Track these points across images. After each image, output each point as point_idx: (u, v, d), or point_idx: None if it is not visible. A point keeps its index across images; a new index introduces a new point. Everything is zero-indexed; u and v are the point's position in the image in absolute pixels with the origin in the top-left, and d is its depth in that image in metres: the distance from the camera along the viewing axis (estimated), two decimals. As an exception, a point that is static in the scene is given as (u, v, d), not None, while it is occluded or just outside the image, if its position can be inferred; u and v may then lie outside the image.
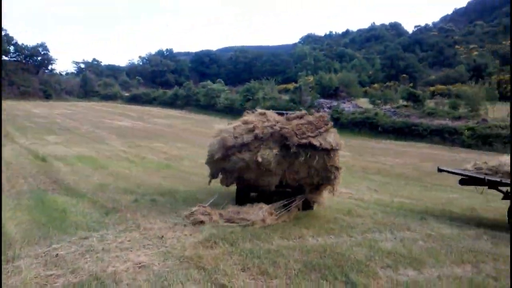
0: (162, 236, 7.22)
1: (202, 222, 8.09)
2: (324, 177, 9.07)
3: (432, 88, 62.60)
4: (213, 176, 9.81)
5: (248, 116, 9.50)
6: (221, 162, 9.11)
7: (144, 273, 5.49)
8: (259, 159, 8.55)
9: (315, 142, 8.68)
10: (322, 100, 51.85)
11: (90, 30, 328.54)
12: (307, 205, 9.64)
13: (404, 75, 73.47)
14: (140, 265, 5.77)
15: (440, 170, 10.95)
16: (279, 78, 79.65)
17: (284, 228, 8.16)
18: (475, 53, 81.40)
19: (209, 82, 65.25)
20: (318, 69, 76.28)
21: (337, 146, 8.83)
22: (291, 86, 66.14)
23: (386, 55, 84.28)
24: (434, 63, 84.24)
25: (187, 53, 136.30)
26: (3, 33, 73.97)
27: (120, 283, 5.14)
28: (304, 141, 8.64)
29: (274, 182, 8.99)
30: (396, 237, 8.10)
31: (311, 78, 66.19)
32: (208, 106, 57.85)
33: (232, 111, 53.60)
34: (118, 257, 6.06)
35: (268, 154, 8.62)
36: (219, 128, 9.53)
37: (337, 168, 9.04)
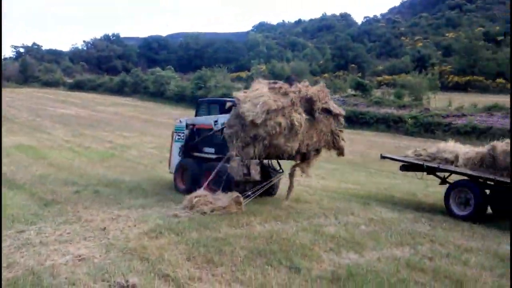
0: (105, 228, 7.05)
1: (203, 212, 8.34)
2: (330, 141, 9.46)
3: (379, 78, 64.57)
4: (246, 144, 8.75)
5: (259, 85, 9.20)
6: (255, 129, 8.48)
7: (84, 266, 5.33)
8: (296, 123, 8.51)
9: (331, 107, 9.13)
10: (273, 89, 52.12)
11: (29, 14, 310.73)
12: (269, 192, 10.14)
13: (353, 65, 75.21)
14: (80, 258, 5.60)
15: (383, 157, 11.39)
16: (232, 66, 79.17)
17: (232, 216, 8.20)
18: (420, 44, 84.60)
19: (158, 68, 63.61)
20: (271, 58, 76.57)
21: (343, 111, 9.50)
22: (243, 74, 65.98)
23: (336, 45, 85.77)
24: (381, 54, 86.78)
25: (135, 38, 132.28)
26: None
27: (58, 277, 4.97)
28: (325, 105, 9.00)
29: (296, 147, 8.91)
30: (340, 222, 8.37)
31: (263, 67, 66.35)
32: (157, 94, 56.52)
33: (182, 99, 52.83)
34: (57, 250, 5.86)
35: (300, 118, 8.61)
36: (238, 94, 9.08)
37: (340, 132, 9.60)
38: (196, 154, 10.93)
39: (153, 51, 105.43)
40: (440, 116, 34.97)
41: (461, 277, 5.52)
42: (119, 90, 63.63)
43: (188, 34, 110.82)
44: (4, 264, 5.27)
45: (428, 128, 34.20)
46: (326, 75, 69.49)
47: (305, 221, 8.24)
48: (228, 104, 10.15)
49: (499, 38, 69.69)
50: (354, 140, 30.82)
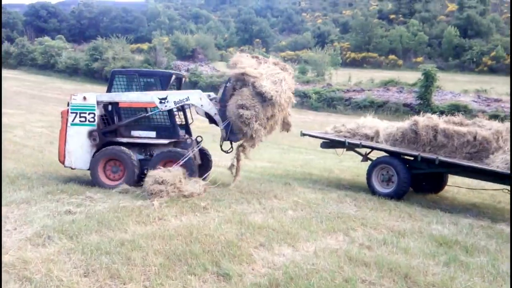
0: (-30, 236, 5.37)
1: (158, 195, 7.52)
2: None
3: (283, 54, 65.11)
4: None
5: (245, 59, 8.81)
6: (273, 108, 8.39)
7: None
8: (293, 98, 8.97)
9: None
10: (179, 62, 49.79)
11: None
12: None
13: (258, 39, 75.10)
14: None
15: (303, 135, 10.75)
16: (132, 37, 74.22)
17: (141, 209, 6.91)
18: (319, 21, 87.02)
19: (47, 38, 57.32)
20: (173, 29, 73.14)
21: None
22: (145, 46, 62.10)
23: (240, 19, 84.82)
24: (284, 29, 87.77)
25: (20, 5, 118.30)
26: None
27: None
28: None
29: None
30: (265, 208, 7.50)
31: (166, 39, 63.10)
32: (47, 66, 50.91)
33: (76, 72, 48.35)
34: None
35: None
36: (252, 71, 8.30)
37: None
38: (119, 139, 8.78)
39: (41, 19, 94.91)
40: (341, 91, 35.99)
41: (407, 270, 4.95)
42: (2, 62, 56.25)
43: (81, 2, 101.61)
44: None
45: (330, 103, 35.06)
46: (231, 49, 68.36)
47: (227, 209, 7.23)
48: (186, 77, 8.70)
49: (392, 16, 73.97)
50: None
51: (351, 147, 9.96)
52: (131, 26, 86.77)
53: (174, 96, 8.70)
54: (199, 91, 9.21)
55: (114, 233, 5.69)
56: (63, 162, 8.83)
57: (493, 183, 8.43)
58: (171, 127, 8.96)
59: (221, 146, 9.17)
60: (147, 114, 8.83)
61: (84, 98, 8.76)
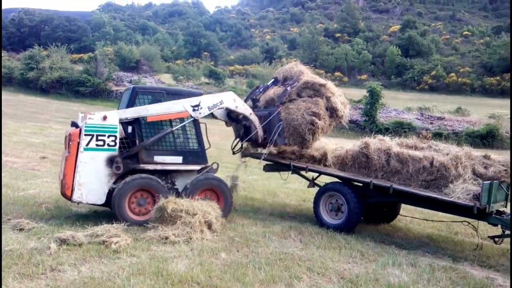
0: None
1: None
2: None
3: (231, 68, 64.37)
4: None
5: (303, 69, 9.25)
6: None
7: None
8: None
9: None
10: (121, 73, 47.55)
11: None
12: None
13: (206, 52, 73.89)
14: None
15: (244, 155, 9.51)
16: (75, 46, 70.54)
17: (32, 254, 5.36)
18: (268, 37, 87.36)
19: (-22, 44, 53.03)
20: (119, 40, 70.36)
21: None
22: (86, 56, 59.00)
23: (188, 31, 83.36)
24: (232, 43, 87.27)
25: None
26: None
27: None
28: None
29: None
30: (193, 249, 6.11)
31: (110, 49, 60.36)
32: (-23, 74, 46.89)
33: (10, 81, 44.75)
34: None
35: None
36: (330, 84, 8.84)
37: None
38: (142, 166, 7.30)
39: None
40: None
41: None
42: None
43: (22, 9, 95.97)
44: None
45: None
46: (179, 61, 66.76)
47: (144, 253, 5.78)
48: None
49: (337, 35, 75.41)
50: (210, 131, 29.23)
51: (297, 171, 8.83)
52: (74, 36, 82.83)
53: (207, 101, 7.83)
54: (231, 92, 8.46)
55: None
56: (69, 197, 6.93)
57: (452, 215, 7.50)
58: (199, 151, 7.78)
59: (233, 146, 9.28)
60: (173, 129, 7.55)
61: (105, 117, 7.09)
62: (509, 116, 31.30)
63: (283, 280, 5.25)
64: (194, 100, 7.72)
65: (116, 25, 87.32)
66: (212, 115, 8.22)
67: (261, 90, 9.59)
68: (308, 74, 8.91)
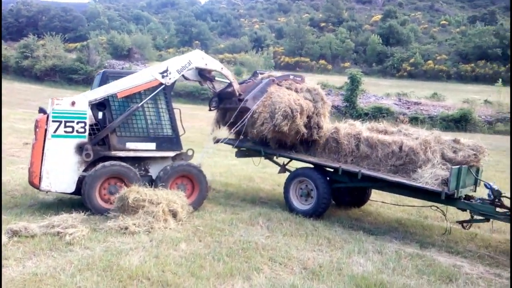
0: None
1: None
2: None
3: (221, 56, 63.03)
4: None
5: None
6: None
7: None
8: None
9: None
10: (113, 61, 46.29)
11: None
12: None
13: (197, 41, 72.35)
14: None
15: (216, 141, 8.90)
16: (71, 36, 68.62)
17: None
18: (256, 26, 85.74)
19: (-26, 35, 51.17)
20: (113, 30, 68.58)
21: None
22: (78, 45, 57.34)
23: (180, 21, 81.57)
24: (222, 33, 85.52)
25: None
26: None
27: None
28: None
29: None
30: (153, 239, 5.53)
31: (104, 38, 58.76)
32: (-26, 63, 45.36)
33: (5, 69, 43.30)
34: None
35: None
36: None
37: None
38: (114, 153, 6.69)
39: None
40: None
41: None
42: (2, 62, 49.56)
43: (20, 0, 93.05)
44: None
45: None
46: (170, 50, 65.40)
47: (99, 245, 5.19)
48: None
49: (322, 24, 74.31)
50: (196, 116, 28.40)
51: (268, 156, 8.25)
52: (70, 26, 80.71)
53: (174, 65, 7.20)
54: (198, 50, 7.79)
55: None
56: (37, 185, 6.29)
57: (421, 200, 6.98)
58: (173, 137, 7.17)
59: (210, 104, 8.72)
60: (140, 104, 6.88)
61: (73, 103, 6.41)
62: (481, 101, 31.00)
63: (242, 273, 4.70)
64: (161, 66, 7.15)
65: (110, 15, 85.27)
66: (184, 78, 7.69)
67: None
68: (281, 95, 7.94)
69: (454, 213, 7.60)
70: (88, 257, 4.77)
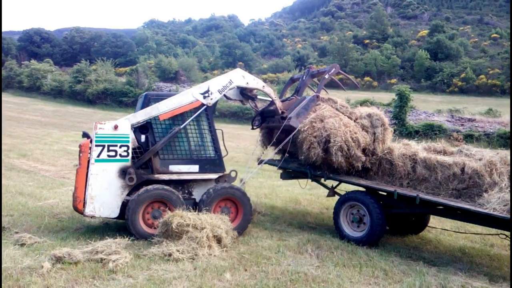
0: None
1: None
2: None
3: (264, 76, 63.59)
4: None
5: None
6: None
7: None
8: None
9: None
10: (161, 84, 47.78)
11: None
12: None
13: (241, 62, 73.50)
14: None
15: (260, 162, 8.62)
16: (121, 60, 72.05)
17: (23, 274, 4.68)
18: (299, 45, 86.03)
19: (33, 61, 54.67)
20: (161, 54, 71.33)
21: None
22: (128, 69, 59.92)
23: (224, 43, 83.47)
24: (265, 53, 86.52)
25: (15, 32, 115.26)
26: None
27: None
28: None
29: None
30: (197, 268, 5.28)
31: (152, 62, 61.10)
32: (33, 89, 48.39)
33: (60, 94, 45.90)
34: None
35: None
36: None
37: None
38: (157, 177, 6.61)
39: (34, 44, 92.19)
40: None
41: None
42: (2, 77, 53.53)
43: (74, 28, 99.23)
44: None
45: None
46: (215, 71, 66.68)
47: (142, 273, 4.99)
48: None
49: (366, 41, 73.26)
50: (241, 136, 28.45)
51: (316, 178, 7.85)
52: (120, 51, 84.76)
53: (215, 85, 7.13)
54: (238, 69, 7.67)
55: None
56: (81, 210, 6.27)
57: (487, 228, 6.29)
58: (216, 158, 7.08)
59: (253, 123, 8.47)
60: (182, 126, 6.82)
61: (116, 127, 6.42)
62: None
63: (291, 309, 4.32)
64: (202, 87, 7.03)
65: (158, 39, 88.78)
66: (226, 98, 7.53)
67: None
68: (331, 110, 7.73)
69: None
70: (131, 287, 4.58)
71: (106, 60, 49.50)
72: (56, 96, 45.80)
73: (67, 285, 4.57)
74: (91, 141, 6.38)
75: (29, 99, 44.54)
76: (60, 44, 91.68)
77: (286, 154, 7.82)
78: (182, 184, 6.94)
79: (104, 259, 5.20)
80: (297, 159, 8.01)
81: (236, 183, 7.34)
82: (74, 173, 12.48)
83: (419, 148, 7.06)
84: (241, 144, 23.53)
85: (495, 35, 70.80)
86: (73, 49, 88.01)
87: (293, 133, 7.26)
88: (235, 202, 7.05)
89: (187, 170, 6.85)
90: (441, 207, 6.25)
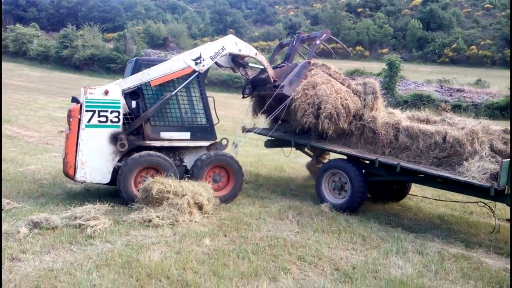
0: None
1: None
2: None
3: (255, 44, 62.47)
4: None
5: None
6: None
7: None
8: None
9: None
10: (150, 50, 46.87)
11: None
12: None
13: (231, 30, 72.05)
14: None
15: (245, 131, 8.55)
16: (109, 26, 70.14)
17: (-10, 243, 4.61)
18: (291, 13, 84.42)
19: (18, 25, 52.90)
20: (150, 19, 69.42)
21: None
22: (115, 34, 58.37)
23: (215, 9, 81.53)
24: (257, 20, 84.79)
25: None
26: None
27: None
28: None
29: None
30: (177, 233, 5.28)
31: (140, 28, 59.58)
32: (18, 53, 47.04)
33: (46, 59, 44.78)
34: None
35: None
36: None
37: None
38: (149, 143, 6.53)
39: (20, 8, 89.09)
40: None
41: None
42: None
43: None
44: None
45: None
46: (205, 38, 65.34)
47: (120, 238, 4.98)
48: None
49: (359, 9, 72.03)
50: (230, 105, 28.20)
51: (299, 147, 7.82)
52: (108, 16, 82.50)
53: (208, 51, 6.90)
54: (231, 35, 7.40)
55: None
56: (72, 176, 6.18)
57: (468, 196, 6.35)
58: (208, 126, 6.96)
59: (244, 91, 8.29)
60: (173, 92, 6.66)
61: (106, 92, 6.22)
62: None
63: (268, 273, 4.35)
64: (194, 53, 6.83)
65: (147, 4, 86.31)
66: (217, 65, 7.40)
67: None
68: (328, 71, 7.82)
69: (503, 210, 6.93)
70: (108, 252, 4.57)
71: (93, 25, 48.07)
72: (42, 62, 44.68)
73: (43, 250, 4.54)
74: (81, 106, 6.22)
75: (14, 64, 43.35)
76: (47, 8, 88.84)
77: (279, 122, 7.73)
78: (173, 151, 6.88)
79: (83, 225, 5.17)
80: (283, 127, 7.97)
81: (228, 151, 7.30)
82: (58, 140, 12.42)
83: (402, 116, 7.01)
84: (229, 113, 23.36)
85: (488, 5, 69.97)
86: (60, 13, 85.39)
87: (286, 101, 7.16)
88: (227, 170, 7.03)
89: (179, 137, 6.78)
90: (421, 175, 6.29)
